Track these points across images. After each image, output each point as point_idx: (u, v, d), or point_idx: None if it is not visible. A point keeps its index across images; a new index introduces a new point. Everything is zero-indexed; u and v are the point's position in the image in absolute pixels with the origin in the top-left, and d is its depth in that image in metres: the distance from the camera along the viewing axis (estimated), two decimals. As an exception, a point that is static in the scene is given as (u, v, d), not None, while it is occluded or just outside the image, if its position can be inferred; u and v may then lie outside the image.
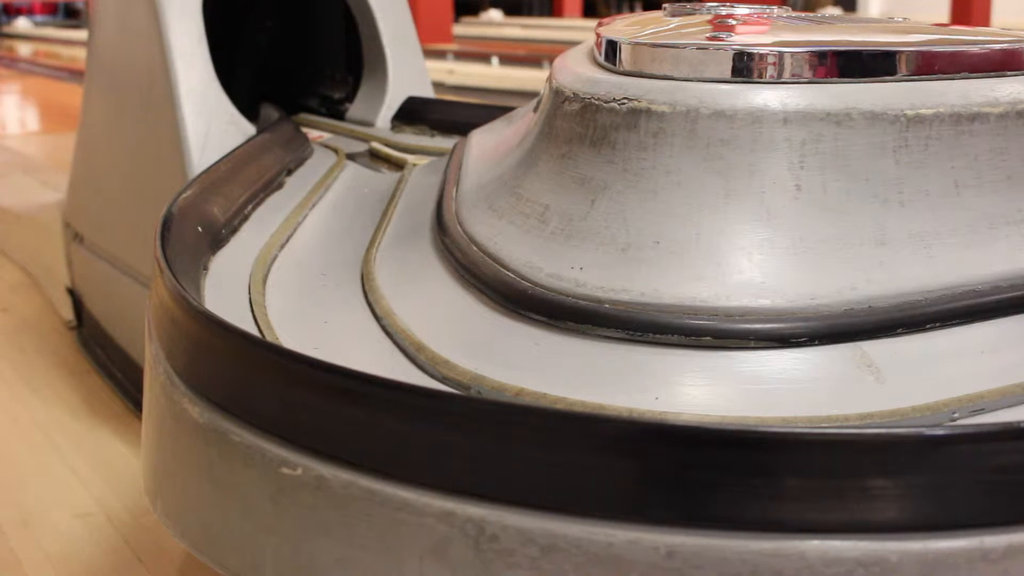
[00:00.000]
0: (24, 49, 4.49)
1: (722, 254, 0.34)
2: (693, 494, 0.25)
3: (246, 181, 0.52)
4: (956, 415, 0.31)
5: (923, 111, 0.35)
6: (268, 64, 0.91)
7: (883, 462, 0.24)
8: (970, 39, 0.39)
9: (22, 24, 5.81)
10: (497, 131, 0.51)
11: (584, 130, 0.38)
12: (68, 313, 0.90)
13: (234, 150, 0.57)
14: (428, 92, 0.79)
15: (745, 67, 0.36)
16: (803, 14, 0.49)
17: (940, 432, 0.25)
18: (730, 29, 0.40)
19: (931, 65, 0.37)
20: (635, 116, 0.37)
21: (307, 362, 0.29)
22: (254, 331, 0.39)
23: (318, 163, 0.63)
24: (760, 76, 0.36)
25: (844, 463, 0.24)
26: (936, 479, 0.24)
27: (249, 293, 0.42)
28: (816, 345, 0.33)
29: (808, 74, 0.36)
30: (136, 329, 0.70)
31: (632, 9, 6.59)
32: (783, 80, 0.36)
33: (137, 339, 0.71)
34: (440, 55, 3.36)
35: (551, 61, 0.45)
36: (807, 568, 0.25)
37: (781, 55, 0.36)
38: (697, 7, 0.49)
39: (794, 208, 0.35)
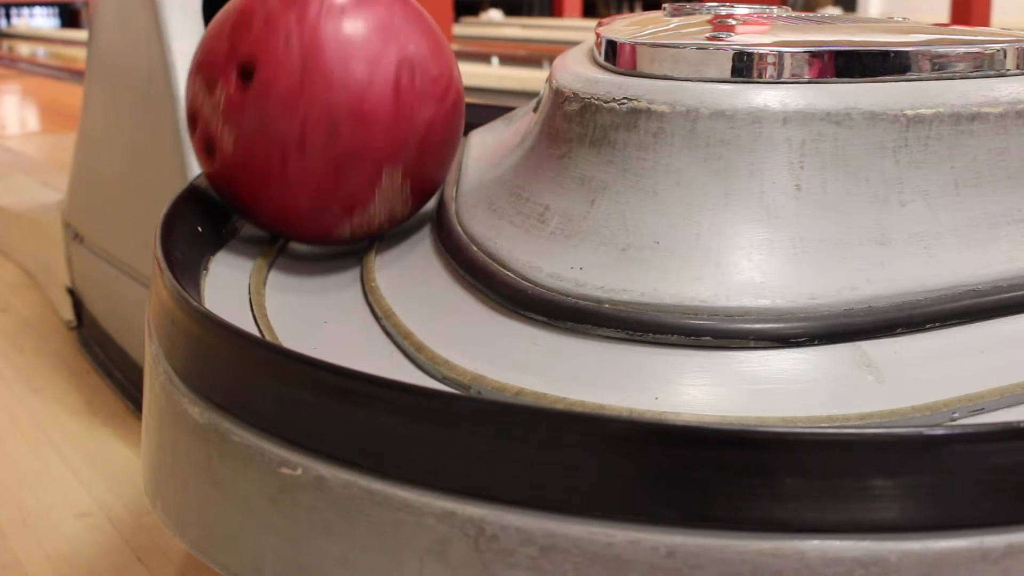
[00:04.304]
0: (24, 49, 4.49)
1: (722, 254, 0.34)
2: (693, 494, 0.25)
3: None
4: (956, 415, 0.31)
5: (923, 111, 0.35)
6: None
7: (883, 462, 0.24)
8: (970, 39, 0.39)
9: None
10: (497, 131, 0.51)
11: (584, 130, 0.38)
12: (68, 313, 0.90)
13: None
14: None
15: (745, 67, 0.36)
16: (803, 14, 0.49)
17: (940, 432, 0.25)
18: (730, 29, 0.40)
19: (931, 65, 0.37)
20: (635, 116, 0.37)
21: (307, 362, 0.29)
22: (254, 331, 0.39)
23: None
24: (760, 76, 0.36)
25: (844, 463, 0.24)
26: (936, 479, 0.24)
27: (249, 293, 0.42)
28: (816, 345, 0.33)
29: (808, 74, 0.36)
30: (136, 329, 0.70)
31: (632, 9, 6.59)
32: (783, 80, 0.36)
33: (137, 339, 0.71)
34: (440, 55, 3.34)
35: (551, 61, 0.45)
36: (807, 568, 0.25)
37: (781, 55, 0.36)
38: (697, 7, 0.48)
39: (794, 208, 0.35)
